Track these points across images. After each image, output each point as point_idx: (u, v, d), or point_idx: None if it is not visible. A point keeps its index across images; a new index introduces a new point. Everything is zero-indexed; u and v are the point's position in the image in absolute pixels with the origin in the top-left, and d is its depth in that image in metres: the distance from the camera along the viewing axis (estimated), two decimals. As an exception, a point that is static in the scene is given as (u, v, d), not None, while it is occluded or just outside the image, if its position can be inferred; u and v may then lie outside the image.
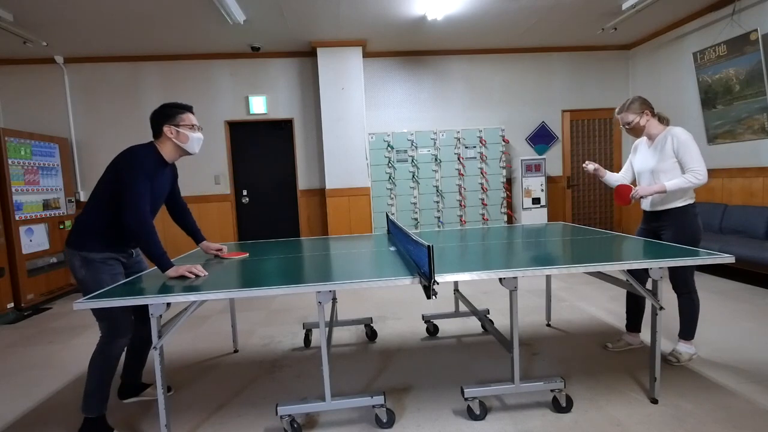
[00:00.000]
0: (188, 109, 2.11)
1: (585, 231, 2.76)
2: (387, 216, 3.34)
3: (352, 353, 2.78)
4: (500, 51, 5.81)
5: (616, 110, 2.45)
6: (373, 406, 1.94)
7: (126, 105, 5.38)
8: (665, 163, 2.32)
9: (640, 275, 2.37)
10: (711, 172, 4.59)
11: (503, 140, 5.49)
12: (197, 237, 2.47)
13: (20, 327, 3.78)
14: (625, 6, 4.44)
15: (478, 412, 1.95)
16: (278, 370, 2.59)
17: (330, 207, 5.32)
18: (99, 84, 5.31)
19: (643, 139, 2.50)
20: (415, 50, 5.67)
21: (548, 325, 3.11)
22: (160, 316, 1.70)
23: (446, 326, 3.18)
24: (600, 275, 2.33)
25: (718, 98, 4.56)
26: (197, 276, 1.95)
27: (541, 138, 5.98)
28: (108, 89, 5.35)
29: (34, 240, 4.37)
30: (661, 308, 1.94)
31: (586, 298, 3.74)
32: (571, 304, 3.57)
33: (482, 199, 5.49)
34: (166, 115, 2.05)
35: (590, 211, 6.24)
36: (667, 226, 2.37)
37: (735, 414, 1.88)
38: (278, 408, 1.88)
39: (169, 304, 1.68)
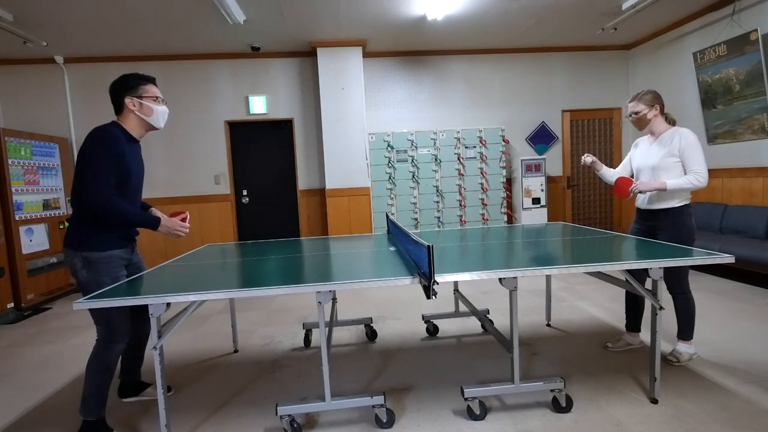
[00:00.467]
0: (151, 80, 2.02)
1: (585, 231, 2.76)
2: (387, 216, 3.34)
3: (352, 353, 2.78)
4: (500, 51, 5.81)
5: (629, 99, 2.47)
6: (373, 406, 1.94)
7: (126, 105, 5.37)
8: (667, 161, 2.32)
9: (639, 275, 2.37)
10: (711, 172, 4.59)
11: (503, 140, 5.49)
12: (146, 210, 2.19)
13: (20, 327, 3.78)
14: (625, 6, 4.44)
15: (478, 412, 1.95)
16: (278, 370, 2.59)
17: (330, 207, 5.32)
18: (99, 84, 5.31)
19: (646, 136, 2.51)
20: (415, 50, 5.67)
21: (548, 325, 3.11)
22: (160, 316, 1.70)
23: (446, 326, 3.18)
24: (600, 275, 2.33)
25: (718, 98, 4.55)
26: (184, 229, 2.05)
27: (541, 138, 5.98)
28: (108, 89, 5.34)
29: (34, 240, 4.37)
30: (661, 308, 1.94)
31: (586, 298, 3.74)
32: (571, 304, 3.57)
33: (482, 199, 5.49)
34: (127, 86, 1.95)
35: (590, 211, 6.24)
36: (663, 226, 2.36)
37: (735, 414, 1.88)
38: (278, 408, 1.88)
39: (168, 304, 1.68)
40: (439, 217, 5.50)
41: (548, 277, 3.08)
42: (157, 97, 2.02)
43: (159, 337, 1.71)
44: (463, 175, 5.46)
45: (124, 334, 1.96)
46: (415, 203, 5.44)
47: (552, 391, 1.99)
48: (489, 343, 2.83)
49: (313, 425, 1.97)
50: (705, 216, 4.68)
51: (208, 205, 5.55)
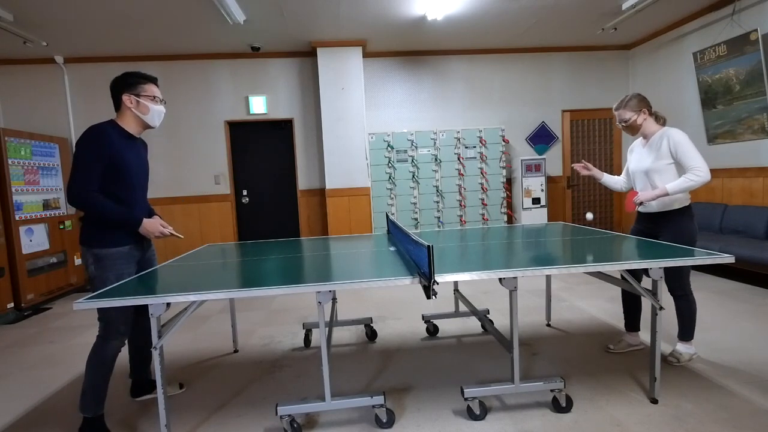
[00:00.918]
0: (152, 80, 2.04)
1: (585, 231, 2.75)
2: (387, 216, 3.34)
3: (352, 353, 2.78)
4: (500, 51, 5.81)
5: (614, 107, 2.43)
6: (373, 406, 1.94)
7: (126, 105, 5.37)
8: (659, 163, 2.30)
9: (638, 275, 2.37)
10: (711, 172, 4.58)
11: (503, 140, 5.49)
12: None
13: (20, 327, 3.78)
14: (625, 6, 4.44)
15: (478, 412, 1.95)
16: (278, 370, 2.59)
17: (330, 207, 5.32)
18: (99, 84, 5.31)
19: (639, 140, 2.49)
20: (415, 50, 5.67)
21: (548, 325, 3.11)
22: (160, 316, 1.70)
23: (446, 326, 3.18)
24: (600, 275, 2.33)
25: (718, 98, 4.55)
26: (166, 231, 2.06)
27: (541, 138, 5.98)
28: (108, 89, 5.34)
29: (34, 240, 4.37)
30: (661, 308, 1.94)
31: (585, 298, 3.74)
32: (570, 304, 3.57)
33: (482, 199, 5.49)
34: (127, 83, 1.98)
35: (590, 211, 6.24)
36: (665, 229, 2.34)
37: (735, 414, 1.88)
38: (278, 408, 1.88)
39: (168, 304, 1.68)
40: (439, 217, 5.50)
41: (548, 277, 3.08)
42: (155, 97, 2.03)
43: (159, 337, 1.71)
44: (463, 175, 5.46)
45: (121, 333, 1.96)
46: (415, 203, 5.44)
47: (552, 391, 1.99)
48: (489, 343, 2.83)
49: (313, 425, 1.97)
50: (705, 216, 4.68)
51: (208, 205, 5.55)
